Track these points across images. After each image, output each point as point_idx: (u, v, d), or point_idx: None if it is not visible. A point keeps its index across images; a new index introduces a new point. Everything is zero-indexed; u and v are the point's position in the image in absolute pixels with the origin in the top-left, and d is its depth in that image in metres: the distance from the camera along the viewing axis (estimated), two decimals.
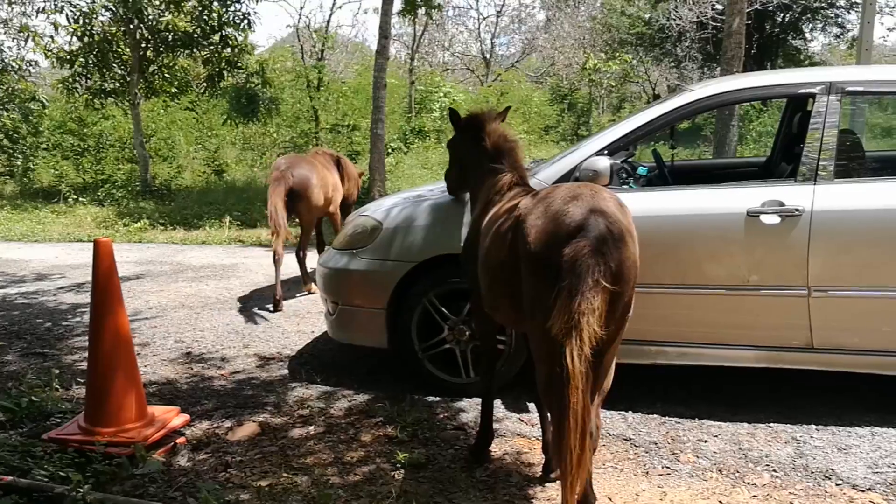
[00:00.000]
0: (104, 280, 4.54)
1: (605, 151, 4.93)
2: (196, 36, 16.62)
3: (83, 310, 7.89)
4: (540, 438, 4.69)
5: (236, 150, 22.68)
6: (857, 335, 4.67)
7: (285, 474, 4.33)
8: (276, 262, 7.71)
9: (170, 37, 16.59)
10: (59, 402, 5.26)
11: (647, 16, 32.70)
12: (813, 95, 4.81)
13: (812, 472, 4.26)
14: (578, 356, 2.87)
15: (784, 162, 6.03)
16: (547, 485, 4.16)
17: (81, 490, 3.89)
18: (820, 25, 32.11)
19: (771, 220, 4.64)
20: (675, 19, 28.21)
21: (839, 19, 31.68)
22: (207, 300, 8.06)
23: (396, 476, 4.29)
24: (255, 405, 5.26)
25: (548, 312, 3.01)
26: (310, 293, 8.30)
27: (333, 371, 5.82)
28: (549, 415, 3.41)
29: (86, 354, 6.27)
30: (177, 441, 4.70)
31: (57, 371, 5.83)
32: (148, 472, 4.27)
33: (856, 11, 31.45)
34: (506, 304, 3.61)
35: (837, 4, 30.99)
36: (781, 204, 4.64)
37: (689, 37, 28.99)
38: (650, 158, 6.72)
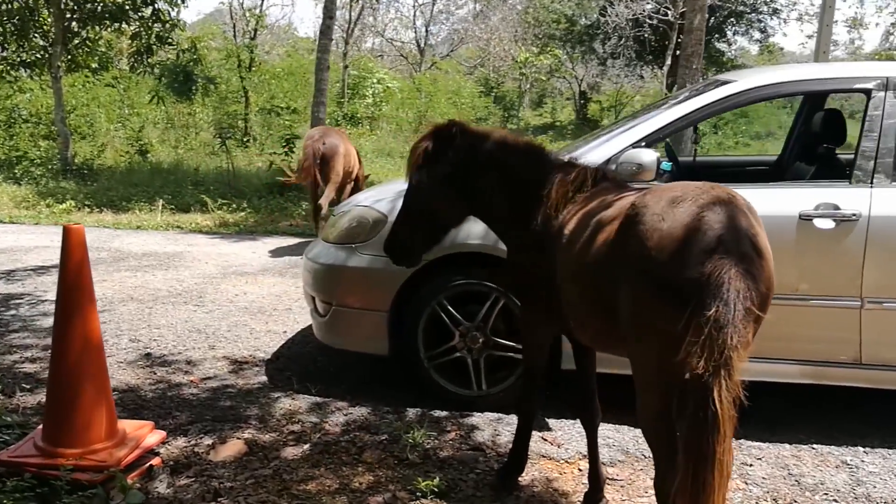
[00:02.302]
0: (74, 274, 3.85)
1: (643, 143, 4.46)
2: (126, 8, 15.56)
3: (17, 301, 7.05)
4: (569, 461, 4.21)
5: (159, 129, 21.62)
6: None
7: None
8: (316, 215, 9.27)
9: (98, 7, 15.50)
10: (2, 414, 4.51)
11: (569, 12, 32.60)
12: (869, 91, 4.41)
13: (876, 502, 3.87)
14: (728, 399, 2.34)
15: (802, 162, 5.65)
16: None
17: None
18: (743, 29, 32.56)
19: (825, 224, 4.25)
20: (608, 17, 28.08)
21: (762, 24, 32.21)
22: (158, 293, 7.30)
23: None
24: (236, 418, 4.61)
25: (667, 340, 2.49)
26: None
27: (319, 379, 5.19)
28: (654, 450, 2.86)
29: (28, 354, 5.55)
30: (152, 463, 4.04)
31: None
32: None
33: (778, 17, 32.07)
34: (598, 321, 3.01)
35: (760, 10, 31.48)
36: (837, 207, 4.24)
37: (621, 34, 28.90)
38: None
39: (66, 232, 3.85)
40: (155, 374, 5.27)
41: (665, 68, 28.78)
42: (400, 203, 4.44)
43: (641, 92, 33.05)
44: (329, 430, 4.50)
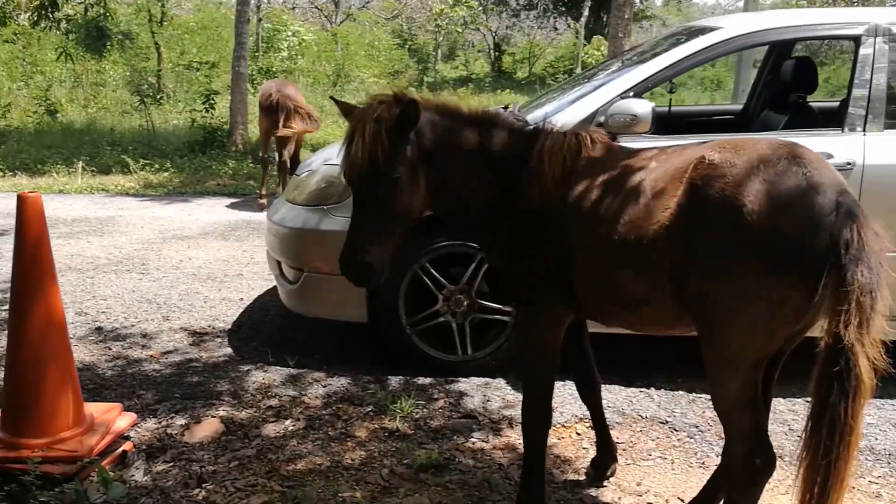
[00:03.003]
0: (33, 248, 3.47)
1: (631, 94, 4.27)
2: None
3: None
4: (566, 425, 4.06)
5: (66, 88, 20.56)
6: None
7: (278, 487, 3.48)
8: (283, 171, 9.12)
9: None
10: None
11: None
12: (859, 38, 4.31)
13: (880, 455, 3.83)
14: (869, 367, 2.26)
15: (771, 111, 5.56)
16: (600, 487, 3.53)
17: None
18: None
19: None
20: None
21: None
22: (97, 261, 6.84)
23: (417, 483, 3.53)
24: (206, 395, 4.32)
25: (778, 312, 2.41)
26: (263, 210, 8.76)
27: (289, 349, 4.91)
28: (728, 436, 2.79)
29: None
30: (125, 448, 3.72)
31: None
32: (111, 499, 3.30)
33: None
34: (650, 298, 2.72)
35: None
36: (830, 156, 4.13)
37: None
38: None
39: (22, 201, 3.46)
40: (110, 349, 4.91)
41: (582, 20, 28.74)
42: None
43: (554, 44, 32.99)
44: (309, 403, 4.24)
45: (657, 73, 4.33)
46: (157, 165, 12.32)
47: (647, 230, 2.62)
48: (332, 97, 3.25)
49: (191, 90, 18.97)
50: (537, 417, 3.16)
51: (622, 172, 2.82)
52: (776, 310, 2.42)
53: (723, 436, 3.88)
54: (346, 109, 2.96)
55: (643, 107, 4.03)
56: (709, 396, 4.31)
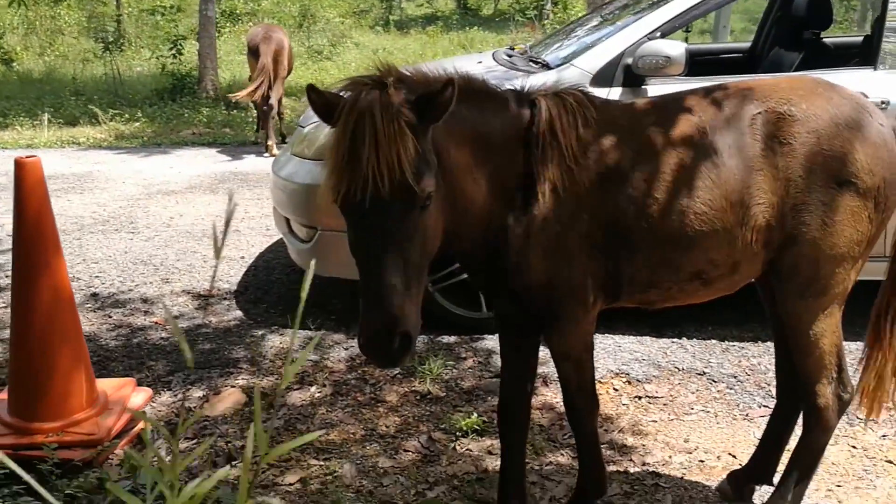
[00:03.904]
0: (35, 219, 3.20)
1: (659, 34, 4.04)
2: None
3: None
4: (601, 381, 3.89)
5: (18, 35, 19.80)
6: None
7: (313, 461, 3.29)
8: (267, 111, 9.02)
9: None
10: None
11: None
12: None
13: None
14: None
15: (782, 48, 5.33)
16: (647, 445, 3.39)
17: None
18: None
19: None
20: None
21: None
22: (81, 221, 6.51)
23: (461, 449, 3.36)
24: (222, 363, 4.09)
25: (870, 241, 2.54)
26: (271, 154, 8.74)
27: (303, 311, 4.67)
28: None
29: None
30: (143, 427, 3.50)
31: None
32: (139, 484, 3.08)
33: None
34: (741, 260, 2.53)
35: None
36: (865, 96, 3.93)
37: None
38: None
39: (20, 168, 3.17)
40: (110, 317, 4.64)
41: None
42: None
43: None
44: (333, 367, 4.04)
45: (686, 10, 4.10)
46: (126, 115, 11.88)
47: (736, 192, 2.44)
48: (310, 86, 2.11)
49: (155, 35, 18.30)
50: (593, 409, 2.76)
51: (663, 132, 2.50)
52: (867, 243, 2.54)
53: (762, 386, 3.84)
54: (329, 102, 2.09)
55: (676, 48, 3.82)
56: (740, 343, 4.23)
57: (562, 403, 2.89)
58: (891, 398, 2.74)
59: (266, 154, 9.02)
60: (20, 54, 18.02)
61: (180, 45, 14.08)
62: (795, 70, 4.67)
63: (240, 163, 8.72)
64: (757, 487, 3.04)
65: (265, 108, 9.02)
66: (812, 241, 2.48)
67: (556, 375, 2.82)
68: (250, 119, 10.34)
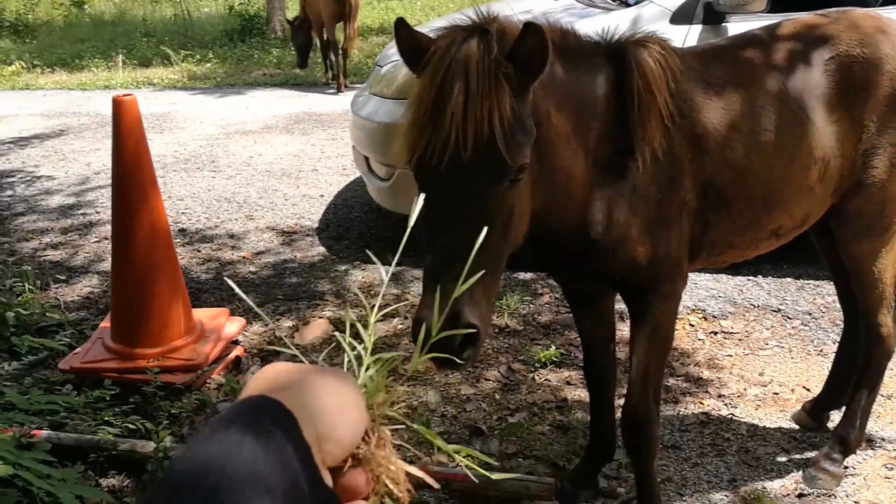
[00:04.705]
0: (133, 155, 3.37)
1: None
2: None
3: (9, 179, 6.46)
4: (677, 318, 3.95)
5: None
6: None
7: (400, 387, 3.42)
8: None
9: None
10: (46, 311, 4.08)
11: None
12: None
13: None
14: None
15: None
16: (723, 378, 3.45)
17: (168, 445, 2.87)
18: None
19: None
20: None
21: None
22: (164, 160, 6.74)
23: (540, 379, 3.48)
24: (309, 296, 4.26)
25: None
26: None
27: (382, 247, 4.82)
28: None
29: (46, 240, 5.10)
30: (237, 354, 3.69)
31: (28, 268, 4.57)
32: None
33: None
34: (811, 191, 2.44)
35: None
36: None
37: None
38: None
39: (118, 106, 3.33)
40: (199, 251, 4.84)
41: None
42: None
43: None
44: (414, 301, 4.16)
45: None
46: (198, 56, 12.09)
47: (820, 147, 2.38)
48: (400, 21, 1.86)
49: None
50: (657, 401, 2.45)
51: (744, 86, 2.32)
52: None
53: (836, 323, 3.86)
54: (419, 44, 1.82)
55: None
56: (815, 282, 4.24)
57: None
58: None
59: (336, 91, 9.20)
60: None
61: None
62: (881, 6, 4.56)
63: (313, 103, 8.84)
64: (829, 414, 3.12)
65: (343, 47, 9.16)
66: (880, 184, 2.47)
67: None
68: (318, 60, 10.47)
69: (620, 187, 2.12)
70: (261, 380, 0.70)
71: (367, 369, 1.00)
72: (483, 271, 1.41)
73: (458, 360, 1.60)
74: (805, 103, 2.35)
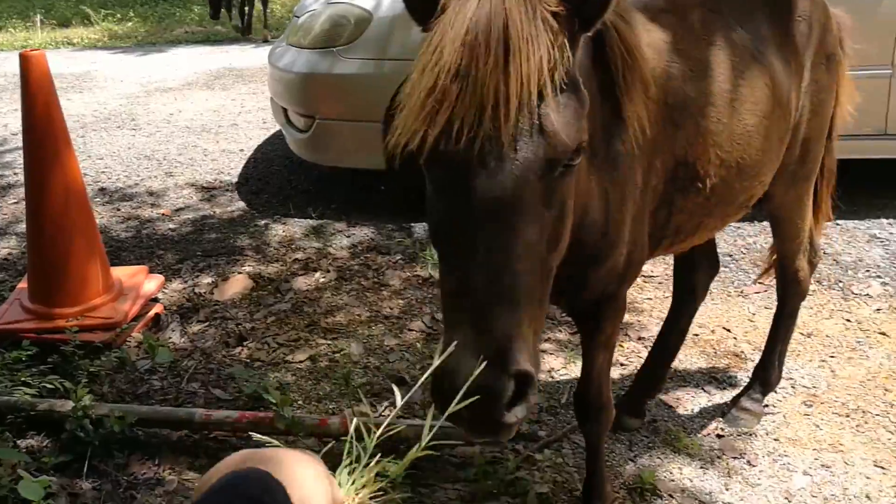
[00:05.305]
0: (43, 112, 3.28)
1: None
2: None
3: None
4: None
5: None
6: None
7: (321, 340, 3.45)
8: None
9: None
10: None
11: None
12: None
13: None
14: None
15: None
16: (649, 320, 3.53)
17: (87, 403, 2.83)
18: None
19: None
20: None
21: None
22: (83, 119, 6.57)
23: None
24: (228, 251, 4.22)
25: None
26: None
27: (303, 200, 4.79)
28: None
29: None
30: (157, 311, 3.65)
31: None
32: (157, 364, 3.25)
33: None
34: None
35: None
36: None
37: None
38: None
39: (26, 61, 3.23)
40: (119, 210, 4.76)
41: None
42: None
43: None
44: (336, 254, 4.17)
45: None
46: (118, 15, 11.77)
47: (784, 94, 2.23)
48: None
49: None
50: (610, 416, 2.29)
51: (701, 40, 2.05)
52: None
53: (756, 264, 3.96)
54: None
55: None
56: (738, 225, 4.34)
57: None
58: None
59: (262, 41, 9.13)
60: None
61: None
62: None
63: (234, 58, 8.71)
64: (742, 352, 3.22)
65: None
66: (806, 125, 2.42)
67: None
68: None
69: (614, 177, 1.77)
70: (237, 458, 0.83)
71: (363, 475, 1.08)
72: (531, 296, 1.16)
73: (504, 422, 1.24)
74: (762, 49, 2.15)
